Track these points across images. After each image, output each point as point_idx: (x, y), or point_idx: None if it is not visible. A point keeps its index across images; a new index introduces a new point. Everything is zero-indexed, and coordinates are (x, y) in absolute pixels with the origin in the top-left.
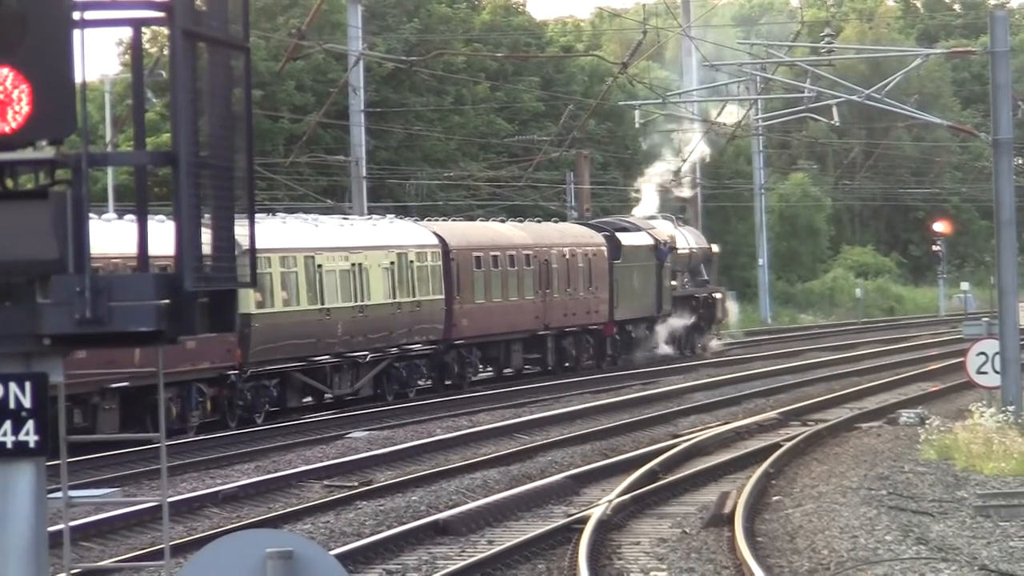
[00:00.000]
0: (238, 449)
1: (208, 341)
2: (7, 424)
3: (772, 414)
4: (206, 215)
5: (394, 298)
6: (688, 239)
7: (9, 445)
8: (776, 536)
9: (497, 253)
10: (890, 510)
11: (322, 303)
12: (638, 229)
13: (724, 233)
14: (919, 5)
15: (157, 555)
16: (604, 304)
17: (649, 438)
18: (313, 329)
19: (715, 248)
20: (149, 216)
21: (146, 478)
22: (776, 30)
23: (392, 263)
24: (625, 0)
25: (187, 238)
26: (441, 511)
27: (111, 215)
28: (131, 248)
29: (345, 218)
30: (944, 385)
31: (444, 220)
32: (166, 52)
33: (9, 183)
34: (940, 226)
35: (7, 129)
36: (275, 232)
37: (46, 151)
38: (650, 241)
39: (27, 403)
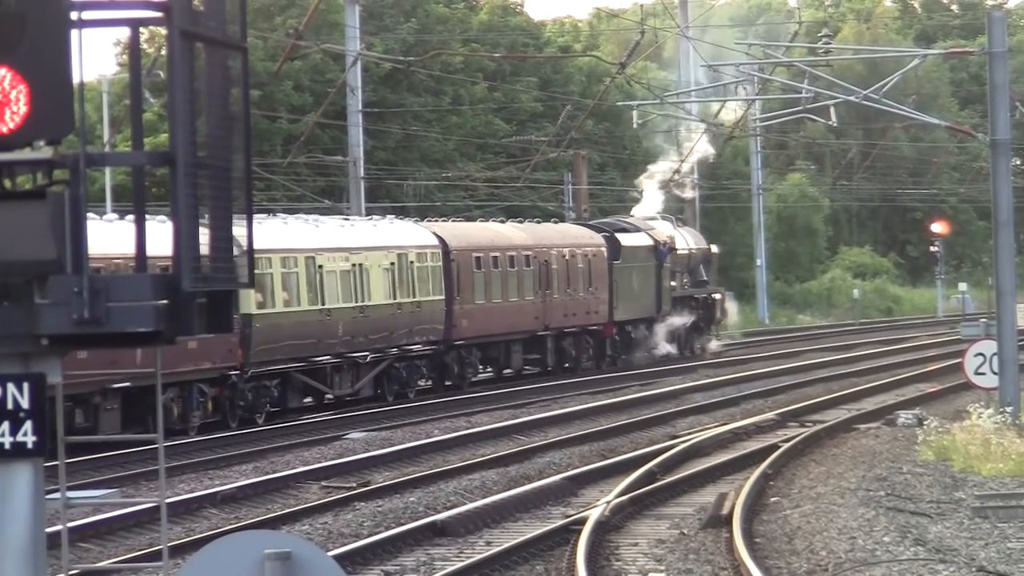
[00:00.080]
0: (238, 450)
1: (209, 341)
2: (5, 425)
3: (770, 415)
4: (204, 215)
5: (394, 299)
6: (687, 240)
7: (7, 446)
8: (774, 537)
9: (497, 254)
10: (888, 511)
11: (323, 304)
12: (637, 230)
13: (722, 234)
14: (917, 6)
15: (155, 556)
16: (604, 305)
17: (647, 439)
18: (314, 329)
19: (714, 249)
20: (151, 217)
21: (144, 479)
22: (774, 30)
23: (392, 264)
24: (623, 0)
25: (185, 238)
26: (439, 512)
27: (112, 215)
28: (132, 248)
29: (346, 219)
30: (942, 386)
31: (444, 221)
32: (164, 52)
33: (7, 183)
34: (938, 227)
35: (5, 129)
36: (276, 233)
37: (44, 151)
38: (649, 242)
39: (25, 404)
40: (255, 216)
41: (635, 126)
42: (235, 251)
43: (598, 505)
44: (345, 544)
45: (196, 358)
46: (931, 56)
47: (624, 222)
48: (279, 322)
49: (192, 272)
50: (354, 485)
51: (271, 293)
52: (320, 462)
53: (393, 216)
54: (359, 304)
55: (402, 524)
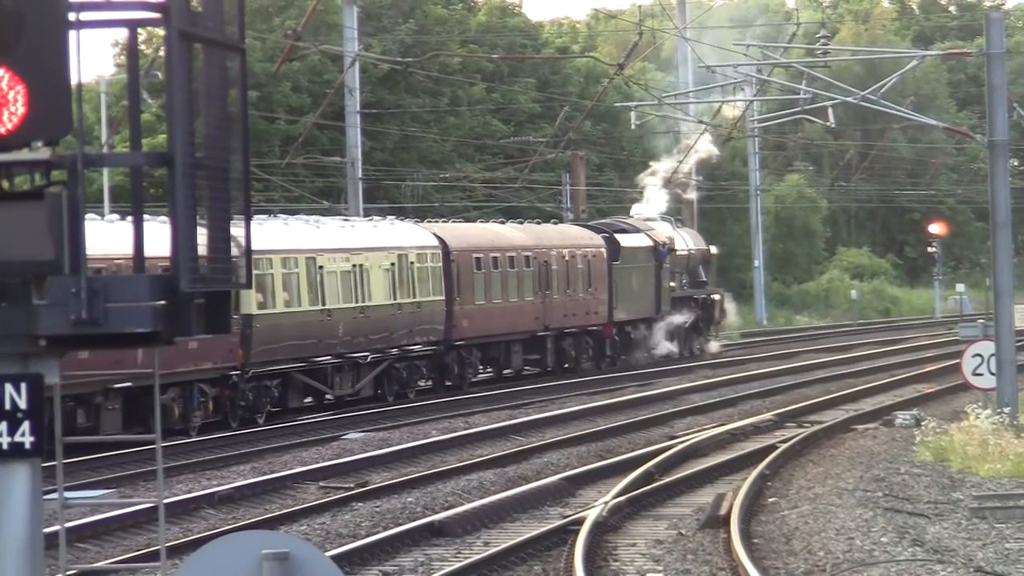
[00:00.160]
0: (238, 450)
1: (210, 341)
2: (3, 425)
3: (768, 416)
4: (202, 216)
5: (395, 299)
6: (687, 240)
7: (5, 446)
8: (772, 538)
9: (497, 254)
10: (886, 512)
11: (323, 304)
12: (637, 231)
13: (720, 235)
14: (915, 7)
15: (153, 556)
16: (603, 305)
17: (645, 440)
18: (314, 330)
19: (713, 250)
20: (153, 217)
21: (142, 479)
22: (772, 32)
23: (393, 264)
24: (621, 1)
25: (183, 239)
26: (437, 512)
27: (114, 216)
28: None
29: (346, 219)
30: (940, 387)
31: (444, 221)
32: (162, 53)
33: (5, 184)
34: (936, 228)
35: (3, 130)
36: (277, 233)
37: (42, 152)
38: (649, 242)
39: (23, 404)
40: (255, 217)
41: (633, 127)
42: (235, 251)
43: (596, 505)
44: (343, 544)
45: (197, 358)
46: (929, 57)
47: (623, 223)
48: (280, 322)
49: (190, 273)
50: (352, 485)
51: (272, 293)
52: (318, 462)
53: (393, 217)
54: (359, 304)
55: (400, 524)
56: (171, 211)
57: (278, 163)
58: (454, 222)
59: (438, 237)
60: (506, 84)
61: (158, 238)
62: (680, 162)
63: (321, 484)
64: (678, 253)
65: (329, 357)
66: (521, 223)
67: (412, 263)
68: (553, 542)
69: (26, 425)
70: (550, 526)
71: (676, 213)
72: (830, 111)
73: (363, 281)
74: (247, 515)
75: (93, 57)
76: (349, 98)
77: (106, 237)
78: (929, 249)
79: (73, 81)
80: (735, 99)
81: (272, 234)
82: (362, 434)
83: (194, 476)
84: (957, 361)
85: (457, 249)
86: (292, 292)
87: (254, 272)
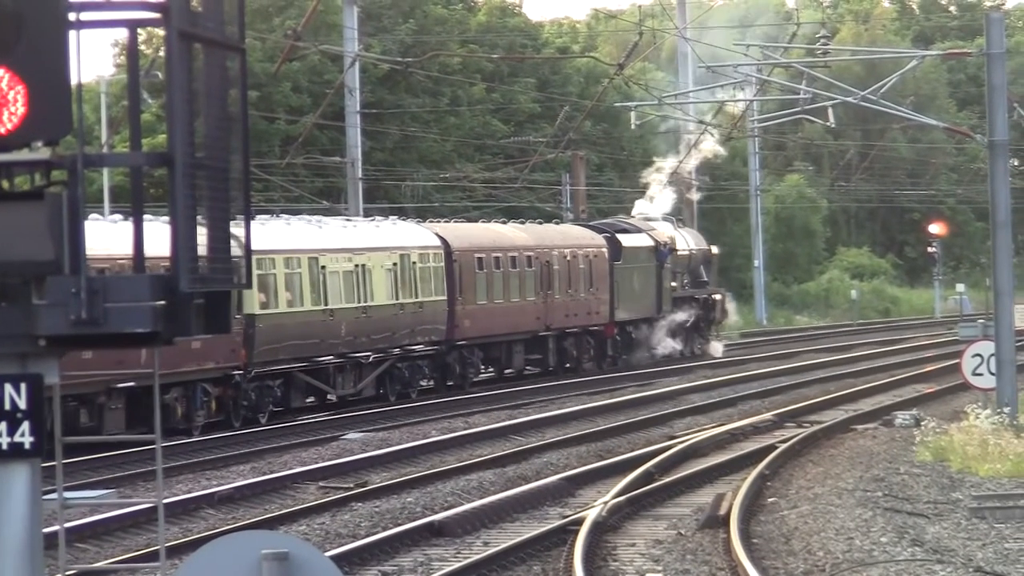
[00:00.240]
0: (240, 449)
1: (213, 341)
2: (2, 425)
3: (768, 416)
4: (202, 216)
5: (397, 299)
6: (688, 240)
7: (4, 446)
8: (771, 538)
9: (499, 254)
10: (885, 512)
11: (326, 304)
12: (638, 231)
13: (720, 235)
14: (915, 7)
15: (153, 556)
16: (605, 305)
17: (645, 440)
18: (317, 330)
19: (715, 250)
20: (155, 218)
21: (142, 479)
22: (772, 32)
23: (395, 264)
24: (621, 1)
25: (183, 239)
26: (437, 512)
27: (117, 216)
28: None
29: (348, 220)
30: (940, 387)
31: (446, 221)
32: (162, 53)
33: (5, 184)
34: (936, 228)
35: (3, 130)
36: (279, 233)
37: (42, 152)
38: (650, 242)
39: (22, 404)
40: (257, 217)
41: (633, 127)
42: (235, 251)
43: (595, 505)
44: (342, 544)
45: (200, 358)
46: (929, 57)
47: (625, 223)
48: (282, 322)
49: (190, 273)
50: (352, 485)
51: (274, 293)
52: (318, 462)
53: (395, 217)
54: (362, 304)
55: (399, 524)
56: (171, 211)
57: (278, 163)
58: (455, 222)
59: (440, 237)
60: (506, 84)
61: (160, 238)
62: (680, 161)
63: (321, 484)
64: (679, 253)
65: (331, 357)
66: (522, 223)
67: (414, 263)
68: (553, 542)
69: (26, 425)
70: (550, 526)
71: (677, 213)
72: (830, 111)
73: (365, 281)
74: (247, 515)
75: (93, 57)
76: (349, 98)
77: (109, 237)
78: (929, 249)
79: (73, 81)
80: (735, 99)
81: (275, 234)
82: (362, 434)
83: (194, 476)
84: (957, 361)
85: (459, 249)
86: (295, 292)
87: (257, 272)
